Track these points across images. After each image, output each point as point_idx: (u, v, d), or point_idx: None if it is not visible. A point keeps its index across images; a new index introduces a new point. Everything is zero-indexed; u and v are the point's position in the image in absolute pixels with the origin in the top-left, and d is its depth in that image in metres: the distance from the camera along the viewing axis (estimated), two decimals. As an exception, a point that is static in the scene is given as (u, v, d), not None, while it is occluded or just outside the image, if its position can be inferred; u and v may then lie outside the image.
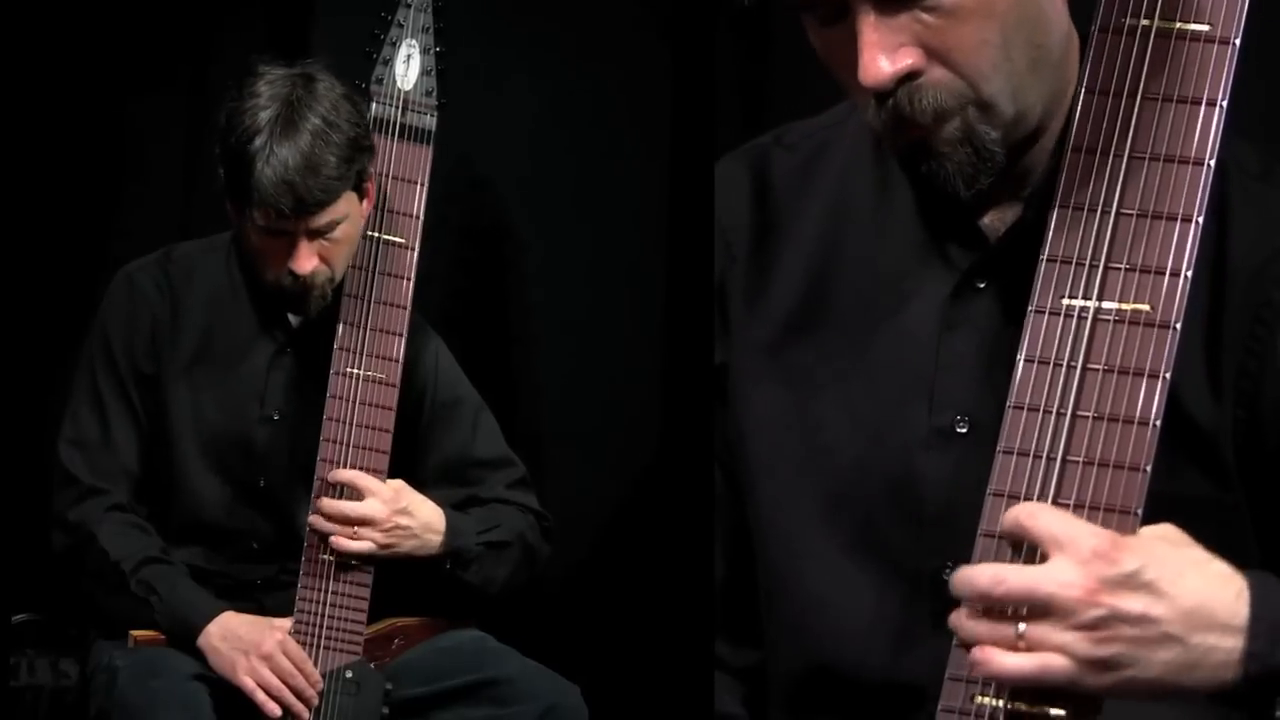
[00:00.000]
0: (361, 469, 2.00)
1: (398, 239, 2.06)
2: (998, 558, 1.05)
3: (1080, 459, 1.05)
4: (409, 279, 2.05)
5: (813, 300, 1.28)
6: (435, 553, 2.03)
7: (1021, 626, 1.01)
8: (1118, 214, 1.07)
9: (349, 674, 1.97)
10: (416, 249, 2.06)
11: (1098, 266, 1.07)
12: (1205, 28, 1.06)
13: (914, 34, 1.10)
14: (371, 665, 2.00)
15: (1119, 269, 1.06)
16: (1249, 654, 1.01)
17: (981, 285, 1.21)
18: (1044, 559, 1.03)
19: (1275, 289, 1.16)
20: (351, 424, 2.00)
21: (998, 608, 1.02)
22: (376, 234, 2.05)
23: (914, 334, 1.23)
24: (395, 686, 2.00)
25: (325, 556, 1.98)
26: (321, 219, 1.93)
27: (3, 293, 2.38)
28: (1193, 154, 1.06)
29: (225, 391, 2.06)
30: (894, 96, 1.11)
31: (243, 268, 2.07)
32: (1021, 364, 1.07)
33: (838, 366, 1.26)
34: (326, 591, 1.98)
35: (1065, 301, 1.07)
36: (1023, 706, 1.04)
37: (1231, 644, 1.01)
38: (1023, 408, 1.07)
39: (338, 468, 1.99)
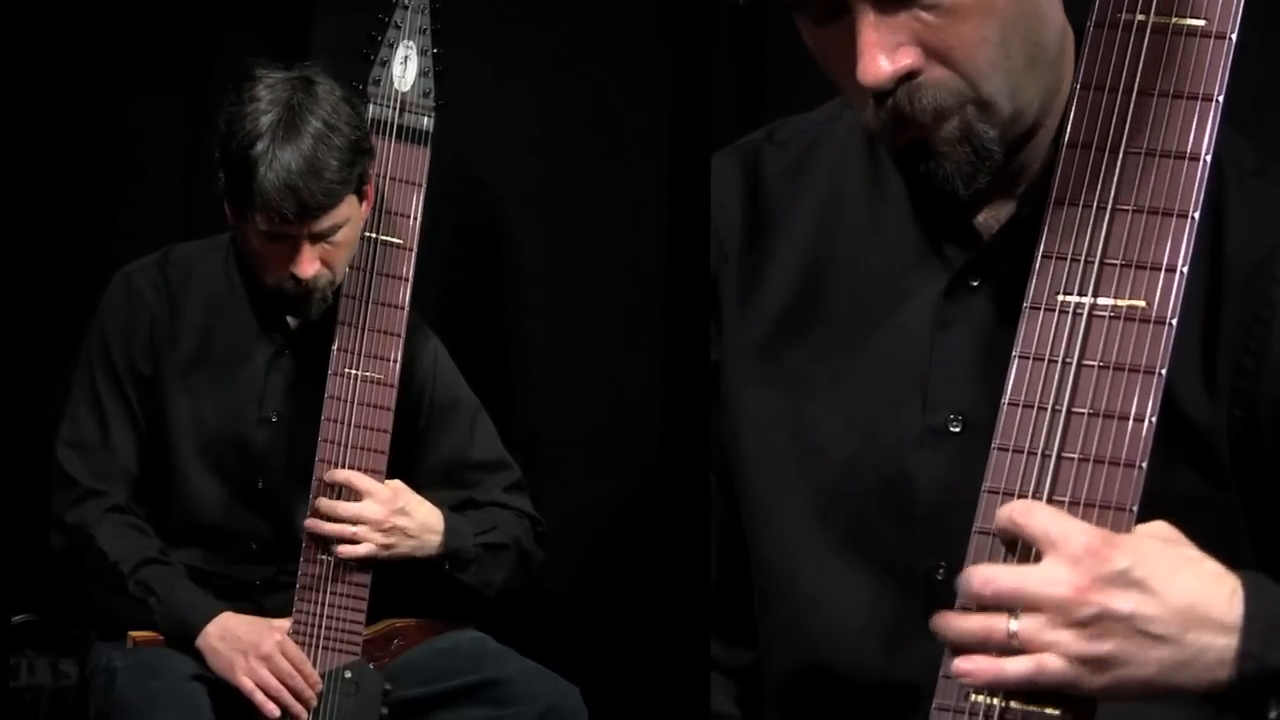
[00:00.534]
0: (360, 469, 2.00)
1: (396, 240, 2.06)
2: (993, 556, 1.05)
3: (1075, 456, 1.05)
4: (407, 280, 2.05)
5: (806, 298, 1.28)
6: (434, 554, 2.03)
7: (1013, 625, 1.01)
8: (1114, 210, 1.06)
9: (348, 674, 1.97)
10: (415, 250, 2.06)
11: (1093, 262, 1.06)
12: (1202, 22, 1.05)
13: (913, 33, 1.09)
14: (370, 666, 2.00)
15: (1115, 265, 1.06)
16: (1243, 653, 1.01)
17: (975, 283, 1.20)
18: (1038, 558, 1.02)
19: (1272, 286, 1.16)
20: (350, 424, 2.00)
21: (990, 609, 1.02)
22: (374, 235, 2.05)
23: (907, 332, 1.22)
24: (394, 687, 2.00)
25: (324, 557, 1.98)
26: (324, 223, 1.93)
27: (2, 293, 2.38)
28: (1189, 149, 1.05)
29: (223, 393, 2.06)
30: (893, 96, 1.11)
31: (241, 269, 2.07)
32: (1017, 360, 1.07)
33: (831, 365, 1.26)
34: (325, 592, 1.98)
35: (1061, 298, 1.06)
36: (1018, 705, 1.03)
37: (1225, 643, 1.01)
38: (1018, 404, 1.06)
39: (336, 468, 1.99)
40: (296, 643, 1.96)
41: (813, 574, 1.24)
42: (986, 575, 1.02)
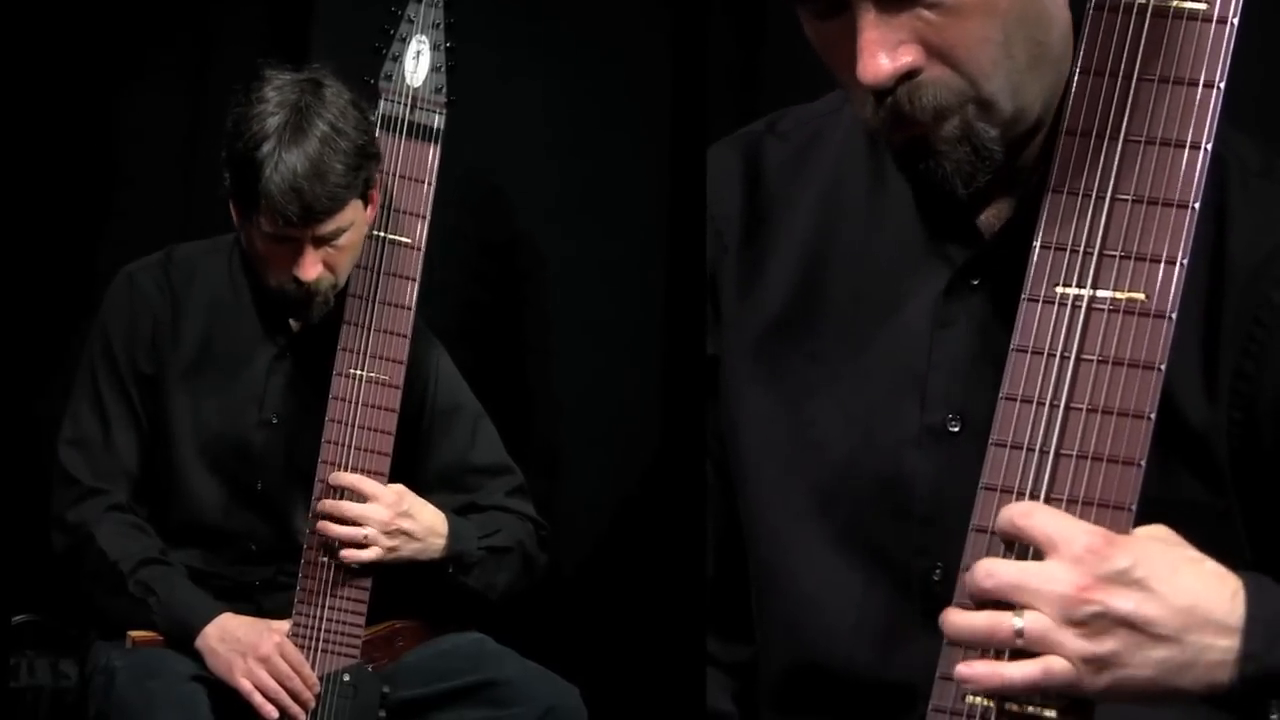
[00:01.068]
0: (362, 470, 1.98)
1: (403, 239, 2.04)
2: (990, 554, 1.03)
3: (1074, 453, 1.03)
4: (414, 280, 2.03)
5: (805, 293, 1.26)
6: (438, 557, 2.02)
7: (1018, 622, 0.99)
8: (1113, 199, 1.04)
9: (346, 677, 1.96)
10: (422, 250, 2.05)
11: (1092, 254, 1.04)
12: (1203, 6, 1.03)
13: (914, 31, 1.08)
14: (369, 668, 1.99)
15: (1114, 256, 1.04)
16: (1245, 654, 0.99)
17: (976, 282, 1.19)
18: (1038, 559, 1.01)
19: (1274, 289, 1.14)
20: (353, 425, 1.99)
21: (990, 604, 1.01)
22: (382, 234, 2.03)
23: (907, 331, 1.21)
24: (394, 688, 1.99)
25: (324, 560, 1.97)
26: (328, 226, 1.92)
27: (2, 293, 2.38)
28: (1189, 138, 1.03)
29: (224, 394, 2.06)
30: (893, 94, 1.09)
31: (245, 270, 2.06)
32: (1014, 354, 1.06)
33: (830, 362, 1.25)
34: (325, 594, 1.97)
35: (1059, 290, 1.05)
36: (1014, 706, 1.02)
37: (1227, 644, 1.00)
38: (1015, 399, 1.05)
39: (339, 468, 1.98)
40: (296, 645, 1.95)
41: (809, 572, 1.23)
42: (989, 568, 1.01)
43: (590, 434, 2.53)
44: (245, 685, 1.91)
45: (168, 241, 2.13)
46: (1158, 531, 1.02)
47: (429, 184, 2.05)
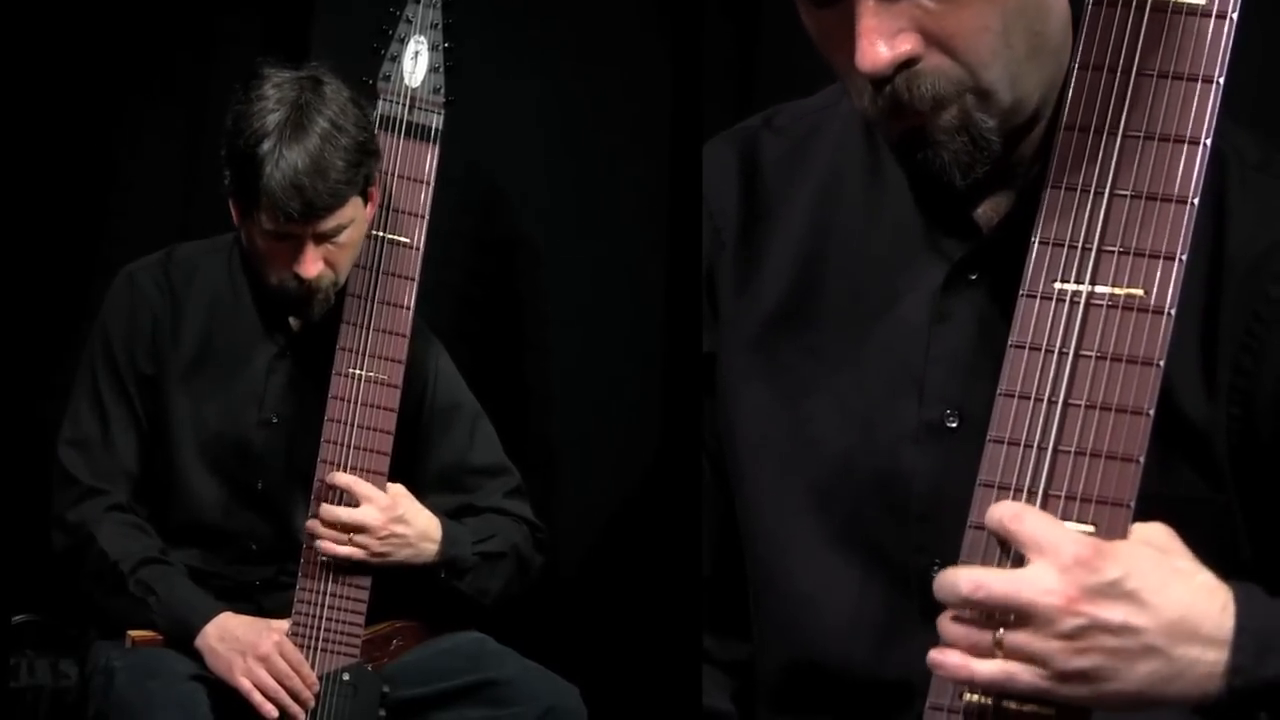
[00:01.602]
0: (362, 470, 1.98)
1: (403, 239, 2.04)
2: (986, 551, 1.03)
3: (1072, 449, 1.03)
4: (413, 279, 2.03)
5: (803, 289, 1.26)
6: (430, 561, 2.02)
7: (1000, 633, 0.99)
8: (1111, 195, 1.04)
9: (346, 676, 1.96)
10: (421, 249, 2.04)
11: (1090, 249, 1.04)
12: (1202, 1, 1.03)
13: (913, 19, 1.07)
14: (369, 667, 1.98)
15: (1112, 252, 1.04)
16: (1233, 668, 0.99)
17: (974, 277, 1.19)
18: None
19: (1273, 284, 1.14)
20: (352, 424, 1.98)
21: (980, 612, 1.00)
22: (381, 233, 2.03)
23: (904, 326, 1.20)
24: (394, 687, 1.99)
25: (324, 559, 1.97)
26: (328, 223, 1.92)
27: (2, 293, 2.37)
28: (1189, 133, 1.03)
29: (224, 394, 2.05)
30: (891, 83, 1.08)
31: (245, 270, 2.06)
32: (1012, 350, 1.05)
33: (827, 358, 1.24)
34: (324, 594, 1.96)
35: (1057, 285, 1.04)
36: (1012, 705, 1.01)
37: (1215, 657, 0.99)
38: (1013, 395, 1.04)
39: (338, 468, 1.98)
40: (295, 644, 1.94)
41: (807, 569, 1.23)
42: (978, 579, 1.00)
43: (589, 432, 2.53)
44: (245, 684, 1.91)
45: (169, 242, 2.13)
46: (1154, 535, 1.01)
47: (428, 184, 2.05)
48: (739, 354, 1.28)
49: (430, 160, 2.05)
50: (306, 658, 1.94)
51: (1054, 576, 0.98)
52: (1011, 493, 1.03)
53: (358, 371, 1.99)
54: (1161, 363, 1.01)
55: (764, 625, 1.28)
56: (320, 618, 1.96)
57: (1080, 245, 1.04)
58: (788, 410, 1.24)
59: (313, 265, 1.94)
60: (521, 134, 2.51)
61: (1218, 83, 1.02)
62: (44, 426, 2.12)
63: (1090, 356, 1.03)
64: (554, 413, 2.55)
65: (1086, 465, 1.02)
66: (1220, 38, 1.03)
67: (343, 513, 1.96)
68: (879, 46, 1.06)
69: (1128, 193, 1.04)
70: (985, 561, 1.03)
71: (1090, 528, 1.01)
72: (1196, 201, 1.02)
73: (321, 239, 1.93)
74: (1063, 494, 1.02)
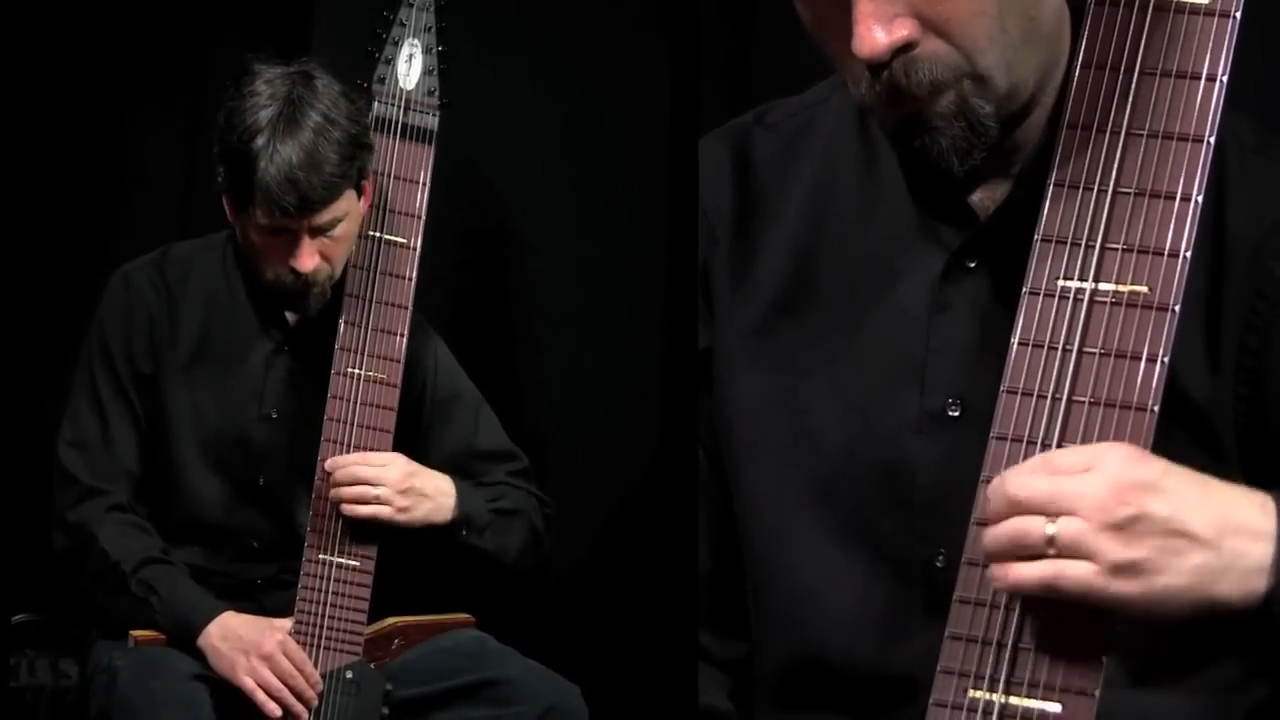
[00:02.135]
0: (362, 469, 1.99)
1: (399, 239, 2.05)
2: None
3: (1076, 445, 1.02)
4: (410, 279, 2.04)
5: (799, 282, 1.25)
6: (449, 518, 2.02)
7: (1051, 528, 0.97)
8: (1114, 192, 1.04)
9: (349, 674, 1.96)
10: (418, 249, 2.05)
11: (1094, 247, 1.04)
12: (1205, 0, 1.03)
13: (909, 5, 1.07)
14: (371, 665, 1.98)
15: (1116, 249, 1.04)
16: None
17: (972, 265, 1.18)
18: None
19: (1275, 262, 1.14)
20: (352, 424, 1.99)
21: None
22: (378, 234, 2.04)
23: (904, 315, 1.20)
24: (395, 687, 1.99)
25: (326, 556, 1.97)
26: (323, 216, 1.93)
27: (3, 293, 2.37)
28: (1192, 131, 1.03)
29: (223, 391, 2.05)
30: (889, 69, 1.08)
31: (240, 267, 2.06)
32: (1016, 347, 1.05)
33: (825, 350, 1.23)
34: (326, 592, 1.96)
35: (1060, 283, 1.05)
36: (1016, 700, 1.01)
37: (1262, 549, 0.99)
38: (1017, 392, 1.04)
39: (338, 468, 1.99)
40: (298, 642, 1.94)
41: (807, 563, 1.22)
42: (1021, 479, 0.99)
43: (593, 432, 2.53)
44: (248, 684, 1.91)
45: (169, 241, 2.13)
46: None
47: (423, 185, 2.06)
48: (735, 349, 1.28)
49: (426, 161, 2.06)
50: (309, 656, 1.94)
51: (1100, 475, 0.98)
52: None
53: (357, 371, 2.00)
54: (1166, 359, 1.02)
55: (764, 621, 1.27)
56: (322, 616, 1.96)
57: (1084, 242, 1.04)
58: (786, 403, 1.24)
59: (309, 259, 1.94)
60: (517, 131, 2.51)
61: (1221, 81, 1.03)
62: (44, 426, 2.12)
63: (1094, 353, 1.03)
64: (558, 412, 2.55)
65: (1090, 461, 1.02)
66: (1224, 36, 1.03)
67: (361, 471, 1.96)
68: (876, 32, 1.06)
69: (1131, 190, 1.04)
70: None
71: None
72: (1200, 199, 1.03)
73: (317, 232, 1.94)
74: (1066, 490, 1.02)
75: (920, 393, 1.19)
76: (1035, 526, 0.98)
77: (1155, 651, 1.13)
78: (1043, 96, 1.15)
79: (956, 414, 1.17)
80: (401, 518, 1.97)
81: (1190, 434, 1.13)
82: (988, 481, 1.04)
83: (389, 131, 2.05)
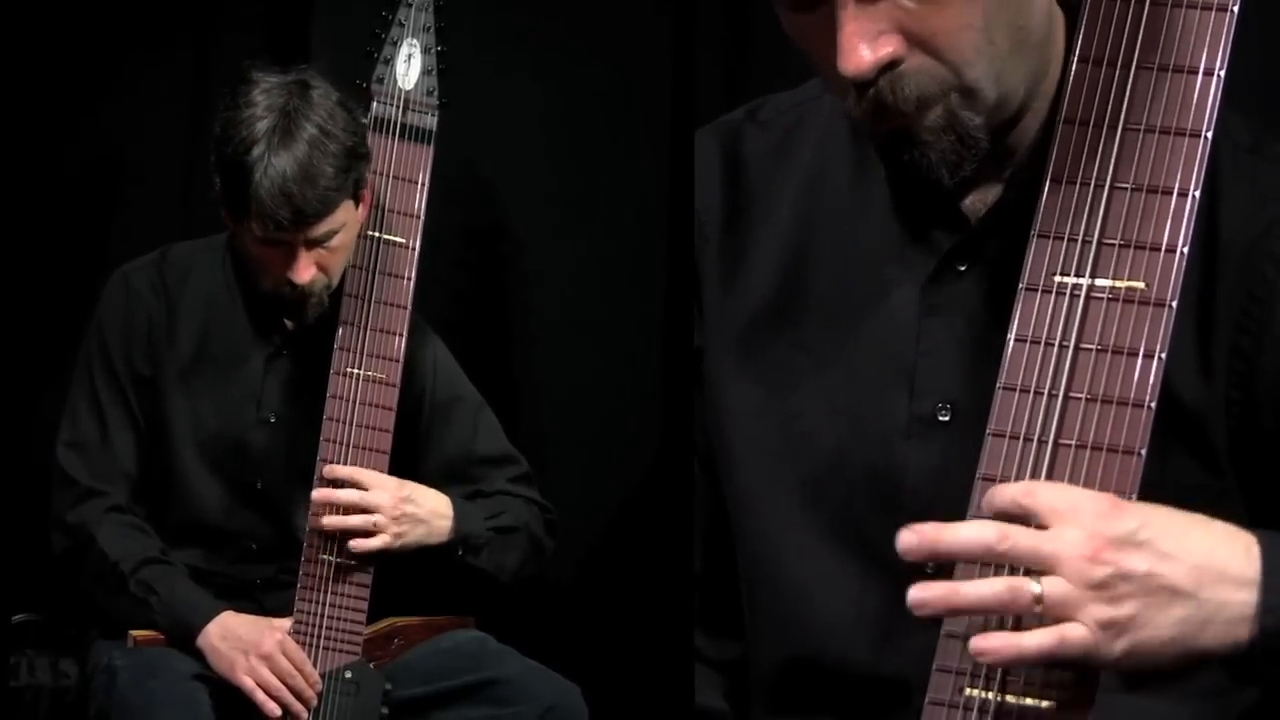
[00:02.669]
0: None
1: (398, 239, 2.05)
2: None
3: (1073, 442, 1.02)
4: (409, 279, 2.04)
5: (790, 283, 1.25)
6: (445, 539, 2.01)
7: (1036, 587, 0.97)
8: (1111, 188, 1.04)
9: (348, 674, 1.96)
10: (417, 249, 2.05)
11: (1090, 242, 1.04)
12: (1202, -6, 1.03)
13: (894, 20, 1.06)
14: (371, 665, 1.98)
15: (1113, 245, 1.03)
16: (1266, 608, 0.98)
17: (963, 268, 1.18)
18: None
19: (1269, 265, 1.13)
20: (351, 424, 1.98)
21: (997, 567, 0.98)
22: (376, 234, 2.04)
23: (894, 319, 1.19)
24: (395, 687, 1.99)
25: (325, 557, 1.97)
26: (319, 229, 1.92)
27: (2, 293, 2.37)
28: (1189, 126, 1.03)
29: (222, 393, 2.05)
30: (875, 86, 1.07)
31: (238, 271, 2.06)
32: (1012, 343, 1.04)
33: (816, 352, 1.23)
34: (326, 592, 1.96)
35: (1057, 279, 1.04)
36: (1013, 698, 1.01)
37: (1245, 598, 0.98)
38: (1013, 389, 1.04)
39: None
40: (297, 642, 1.94)
41: (800, 566, 1.21)
42: (1003, 531, 0.98)
43: (593, 433, 2.53)
44: (247, 683, 1.91)
45: (169, 242, 2.13)
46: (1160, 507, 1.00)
47: (422, 185, 2.06)
48: (726, 350, 1.27)
49: (424, 161, 2.06)
50: (308, 656, 1.94)
51: (1077, 531, 0.97)
52: (1011, 486, 1.03)
53: (356, 371, 2.00)
54: (1163, 355, 1.01)
55: (758, 623, 1.27)
56: (322, 616, 1.96)
57: (1080, 238, 1.04)
58: (776, 406, 1.23)
59: (305, 271, 1.94)
60: (516, 131, 2.51)
61: (1219, 76, 1.02)
62: (44, 427, 2.12)
63: (1091, 350, 1.02)
64: (557, 413, 2.55)
65: (1087, 459, 1.01)
66: (1221, 30, 1.02)
67: (350, 497, 1.95)
68: (861, 49, 1.05)
69: (1128, 186, 1.03)
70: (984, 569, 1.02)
71: None
72: (1198, 194, 1.02)
73: (313, 244, 1.93)
74: (1063, 487, 1.01)
75: (910, 396, 1.18)
76: (1023, 587, 0.98)
77: None
78: (1034, 101, 1.14)
79: (946, 418, 1.17)
80: (396, 544, 1.97)
81: (1185, 443, 1.12)
82: (984, 479, 1.03)
83: (388, 131, 2.05)
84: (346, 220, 1.96)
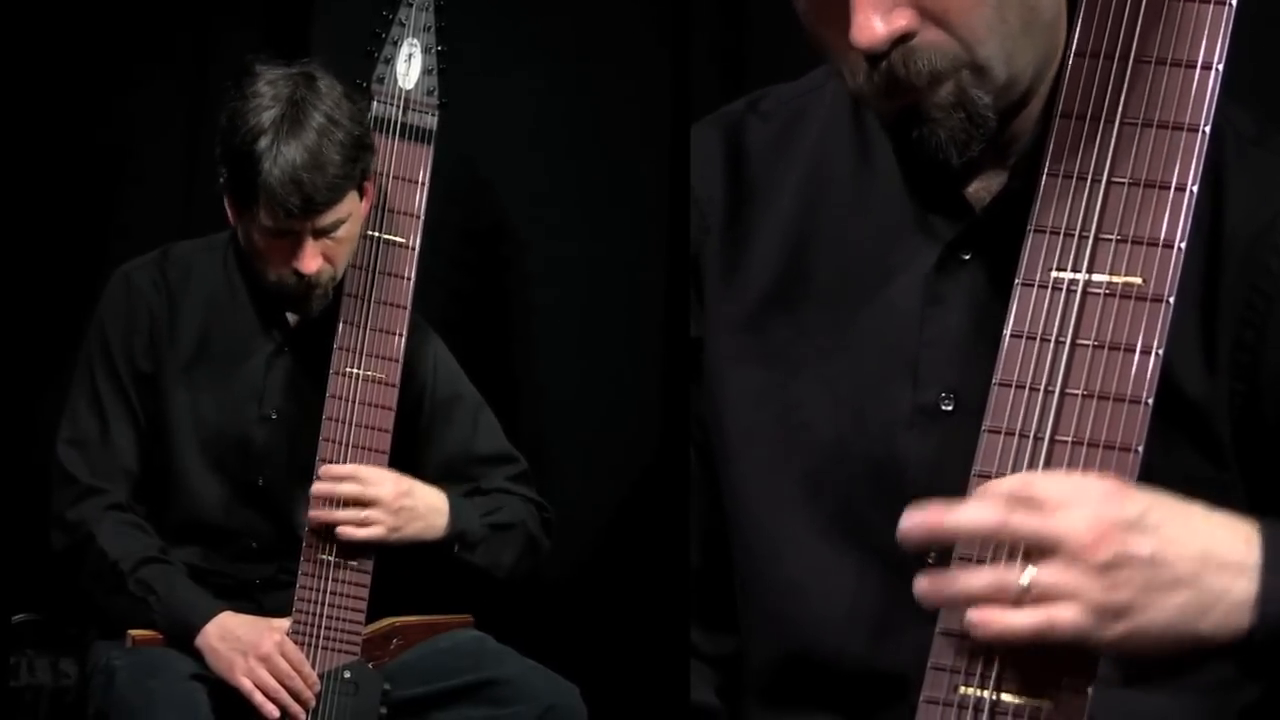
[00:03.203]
0: (361, 469, 1.98)
1: (398, 239, 2.05)
2: (984, 545, 1.01)
3: (1069, 439, 1.02)
4: (409, 279, 2.04)
5: (791, 273, 1.24)
6: (441, 535, 2.01)
7: (1027, 576, 0.97)
8: (1109, 182, 1.03)
9: (347, 674, 1.96)
10: (417, 249, 2.05)
11: (1088, 237, 1.03)
12: (1200, -13, 1.03)
13: None
14: (370, 665, 1.98)
15: (1110, 240, 1.03)
16: (1266, 595, 0.98)
17: (966, 257, 1.17)
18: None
19: (1273, 257, 1.12)
20: (351, 424, 1.98)
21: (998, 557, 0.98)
22: (377, 233, 2.04)
23: (897, 308, 1.19)
24: (394, 687, 1.98)
25: (324, 556, 1.96)
26: (327, 218, 1.92)
27: (3, 293, 2.37)
28: (1187, 120, 1.02)
29: (223, 391, 2.05)
30: (887, 59, 1.07)
31: (240, 267, 2.06)
32: (1008, 339, 1.04)
33: (817, 342, 1.22)
34: (325, 592, 1.96)
35: (1054, 274, 1.04)
36: (1009, 697, 1.00)
37: (1245, 585, 0.98)
38: (1009, 385, 1.04)
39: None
40: (296, 643, 1.94)
41: (797, 559, 1.21)
42: (1006, 510, 0.98)
43: (592, 432, 2.52)
44: (246, 684, 1.91)
45: (169, 241, 2.13)
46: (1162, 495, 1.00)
47: (423, 185, 2.06)
48: (726, 340, 1.26)
49: (424, 161, 2.06)
50: (307, 656, 1.94)
51: (1083, 512, 0.97)
52: (1008, 483, 1.02)
53: (355, 371, 1.99)
54: (1160, 351, 1.01)
55: (752, 617, 1.26)
56: (321, 616, 1.96)
57: (1077, 233, 1.03)
58: (777, 396, 1.23)
59: (312, 260, 1.94)
60: (516, 131, 2.51)
61: (1217, 69, 1.02)
62: (44, 426, 2.12)
63: (1088, 345, 1.02)
64: (556, 412, 2.55)
65: (1084, 455, 1.01)
66: (1220, 23, 1.02)
67: (350, 490, 1.95)
68: (875, 21, 1.05)
69: (1125, 180, 1.03)
70: (983, 551, 1.02)
71: None
72: (1195, 189, 1.02)
73: (320, 234, 1.94)
74: (1060, 484, 1.01)
75: (913, 386, 1.17)
76: (1010, 580, 0.98)
77: None
78: (1040, 86, 1.14)
79: (949, 408, 1.16)
80: (393, 536, 1.97)
81: (1189, 435, 1.12)
82: (980, 476, 1.03)
83: (388, 131, 2.05)
84: (352, 211, 1.96)
